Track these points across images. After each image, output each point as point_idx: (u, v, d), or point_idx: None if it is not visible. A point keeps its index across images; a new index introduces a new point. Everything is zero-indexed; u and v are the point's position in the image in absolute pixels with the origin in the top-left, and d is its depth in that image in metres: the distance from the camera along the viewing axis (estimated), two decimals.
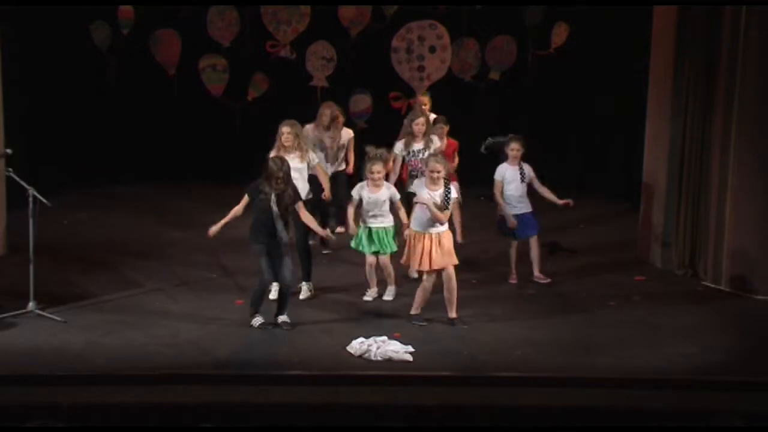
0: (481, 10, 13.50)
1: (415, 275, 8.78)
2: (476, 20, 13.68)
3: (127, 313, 7.91)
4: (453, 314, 7.70)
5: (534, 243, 8.97)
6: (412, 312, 7.78)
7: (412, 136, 9.11)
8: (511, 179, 8.85)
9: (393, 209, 8.26)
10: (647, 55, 9.97)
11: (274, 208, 7.54)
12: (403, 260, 7.92)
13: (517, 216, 8.83)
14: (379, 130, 13.83)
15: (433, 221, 7.62)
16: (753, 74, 8.53)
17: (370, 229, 8.22)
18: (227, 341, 7.28)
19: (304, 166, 8.48)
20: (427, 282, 7.72)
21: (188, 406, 6.18)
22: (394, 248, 8.28)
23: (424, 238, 7.63)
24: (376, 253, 8.25)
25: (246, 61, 13.87)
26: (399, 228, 8.30)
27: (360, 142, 10.08)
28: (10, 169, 7.81)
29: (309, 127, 9.84)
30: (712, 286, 8.95)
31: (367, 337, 7.14)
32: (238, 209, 7.73)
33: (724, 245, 8.85)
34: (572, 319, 7.95)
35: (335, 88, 13.90)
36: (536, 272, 9.00)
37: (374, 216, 8.22)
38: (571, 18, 13.48)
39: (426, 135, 9.11)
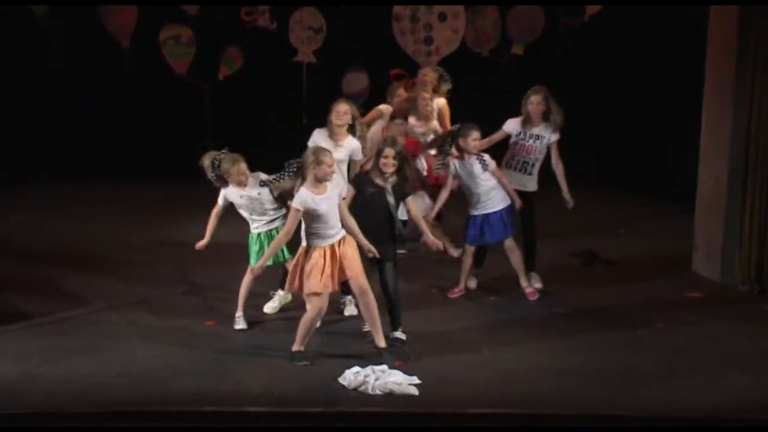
0: None
1: (455, 254, 8.85)
2: None
3: (71, 336, 7.88)
4: (380, 342, 7.49)
5: (511, 246, 8.95)
6: (295, 349, 7.44)
7: (528, 117, 9.13)
8: (469, 174, 8.82)
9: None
10: (704, 24, 9.94)
11: (391, 200, 7.67)
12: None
13: (484, 216, 8.86)
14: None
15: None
16: None
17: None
18: (194, 371, 7.26)
19: (346, 158, 8.66)
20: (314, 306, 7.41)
21: None
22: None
23: (323, 252, 7.35)
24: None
25: (216, 32, 13.87)
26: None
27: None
28: None
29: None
30: None
31: (363, 366, 7.11)
32: (349, 201, 7.77)
33: None
34: (612, 344, 7.94)
35: (324, 64, 13.91)
36: (523, 283, 9.01)
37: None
38: None
39: (544, 118, 9.11)
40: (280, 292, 8.55)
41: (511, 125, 9.22)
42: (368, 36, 13.67)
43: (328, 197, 7.34)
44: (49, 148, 13.82)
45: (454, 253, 8.06)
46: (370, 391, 6.89)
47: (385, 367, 7.13)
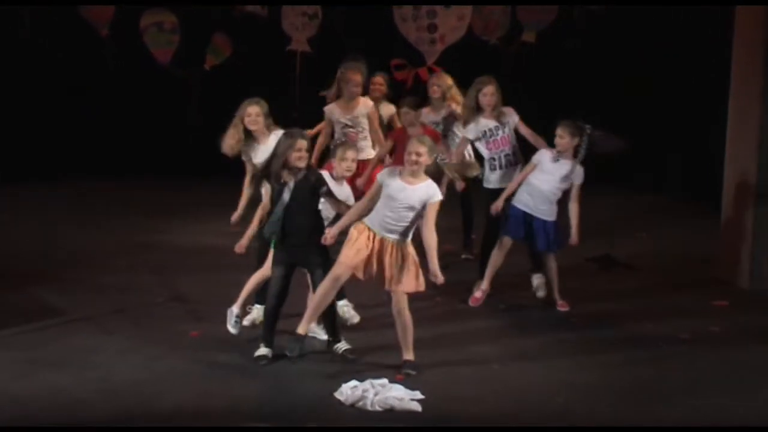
0: None
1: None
2: None
3: (45, 349, 7.86)
4: (409, 355, 7.56)
5: (551, 258, 9.04)
6: (298, 330, 7.49)
7: (479, 111, 9.20)
8: (549, 171, 8.84)
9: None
10: (722, 20, 9.99)
11: (286, 197, 7.55)
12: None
13: (528, 216, 8.88)
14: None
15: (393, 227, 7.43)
16: None
17: None
18: (177, 385, 7.24)
19: None
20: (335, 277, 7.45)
21: None
22: None
23: (373, 237, 7.42)
24: None
25: (202, 19, 13.90)
26: None
27: None
28: None
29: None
30: None
31: (361, 380, 7.10)
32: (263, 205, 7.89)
33: None
34: (632, 356, 7.94)
35: (320, 54, 13.93)
36: (557, 297, 9.07)
37: None
38: None
39: (496, 108, 9.18)
40: (257, 306, 8.48)
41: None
42: (367, 23, 13.69)
43: (409, 191, 7.35)
44: (19, 143, 13.87)
45: None
46: (369, 407, 6.86)
47: (385, 381, 7.12)
